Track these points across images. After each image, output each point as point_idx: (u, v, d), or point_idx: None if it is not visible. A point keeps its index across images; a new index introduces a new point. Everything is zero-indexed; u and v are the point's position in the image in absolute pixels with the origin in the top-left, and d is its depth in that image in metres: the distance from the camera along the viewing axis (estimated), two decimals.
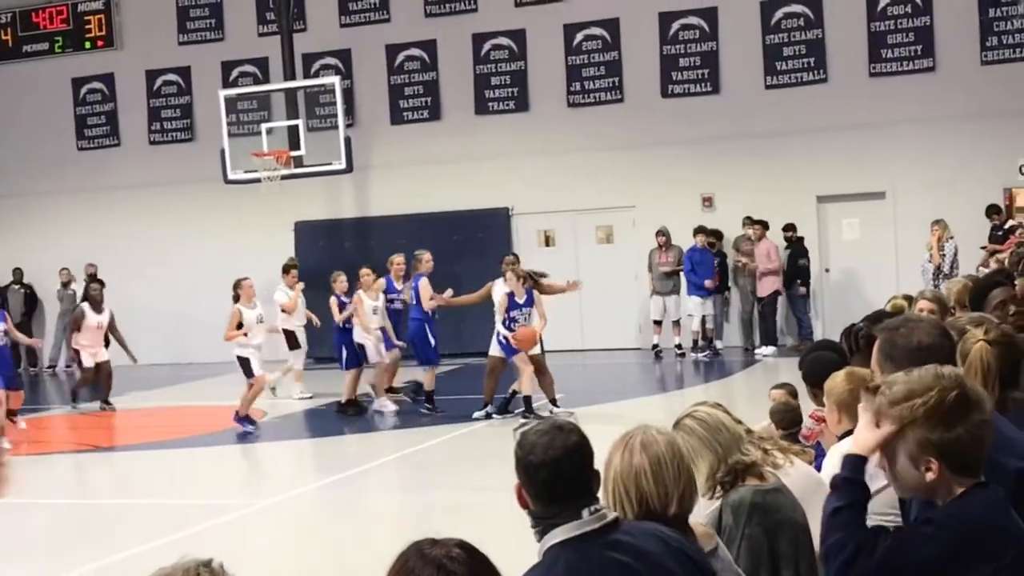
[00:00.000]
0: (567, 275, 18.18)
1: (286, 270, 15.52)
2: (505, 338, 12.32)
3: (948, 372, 2.68)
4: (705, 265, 17.73)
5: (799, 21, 18.14)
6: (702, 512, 3.53)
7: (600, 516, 2.83)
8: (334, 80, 17.71)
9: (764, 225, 17.70)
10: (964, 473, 2.61)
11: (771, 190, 17.94)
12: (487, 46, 19.58)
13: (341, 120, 17.14)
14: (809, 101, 17.95)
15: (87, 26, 21.79)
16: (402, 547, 2.28)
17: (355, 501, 9.74)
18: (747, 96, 18.28)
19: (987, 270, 12.10)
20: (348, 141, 16.92)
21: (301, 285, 15.46)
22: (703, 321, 17.75)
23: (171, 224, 20.84)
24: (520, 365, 12.34)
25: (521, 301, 12.48)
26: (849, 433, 4.15)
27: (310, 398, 15.01)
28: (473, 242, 18.89)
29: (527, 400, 12.33)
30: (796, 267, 17.68)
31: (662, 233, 17.96)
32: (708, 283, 17.59)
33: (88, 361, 15.17)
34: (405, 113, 20.06)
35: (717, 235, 18.16)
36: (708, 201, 18.62)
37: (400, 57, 20.02)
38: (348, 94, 19.17)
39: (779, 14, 18.21)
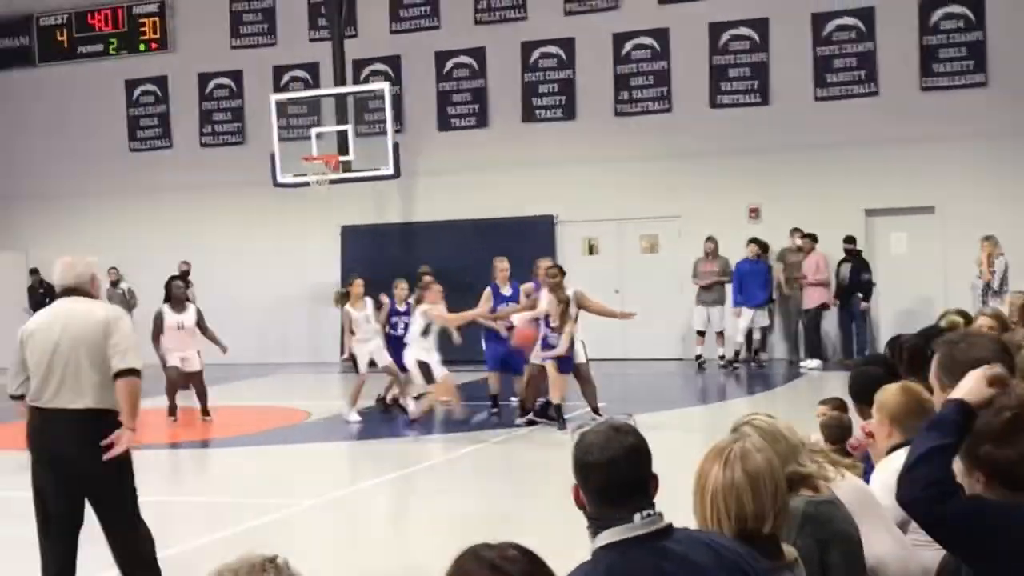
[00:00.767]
0: (610, 284, 18.30)
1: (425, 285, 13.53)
2: (544, 342, 12.31)
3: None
4: (756, 276, 17.63)
5: (851, 34, 18.04)
6: None
7: (651, 521, 2.80)
8: (383, 86, 17.87)
9: (813, 238, 17.59)
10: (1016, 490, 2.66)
11: (819, 202, 17.85)
12: (536, 54, 19.64)
13: (390, 126, 17.27)
14: (859, 114, 17.84)
15: (141, 28, 22.09)
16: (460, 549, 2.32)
17: (408, 504, 9.75)
18: (796, 108, 18.20)
19: None
20: (396, 147, 17.04)
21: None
22: (749, 333, 17.66)
23: (219, 226, 21.07)
24: (550, 373, 12.27)
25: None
26: (899, 447, 4.13)
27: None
28: (517, 250, 18.81)
29: (557, 408, 12.24)
30: (859, 281, 17.43)
31: (711, 240, 17.90)
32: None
33: (172, 360, 13.97)
34: (453, 120, 20.15)
35: (764, 247, 18.09)
36: (754, 212, 18.55)
37: (449, 64, 20.12)
38: (397, 100, 19.28)
39: (830, 26, 18.13)
